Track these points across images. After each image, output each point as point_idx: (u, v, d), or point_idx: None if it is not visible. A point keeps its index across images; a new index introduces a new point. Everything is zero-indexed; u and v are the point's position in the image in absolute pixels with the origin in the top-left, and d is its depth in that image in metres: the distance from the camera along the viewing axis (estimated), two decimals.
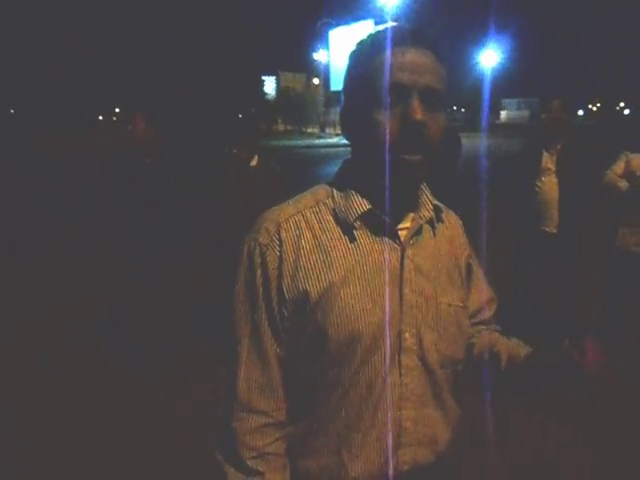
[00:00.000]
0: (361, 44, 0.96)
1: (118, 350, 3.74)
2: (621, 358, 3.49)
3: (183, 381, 3.39)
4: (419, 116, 0.86)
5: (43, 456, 2.74)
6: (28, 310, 4.68)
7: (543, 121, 3.81)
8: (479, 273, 1.13)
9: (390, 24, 0.92)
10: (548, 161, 3.79)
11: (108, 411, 3.13)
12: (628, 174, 3.61)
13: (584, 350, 0.91)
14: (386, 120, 0.87)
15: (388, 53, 0.88)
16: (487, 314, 1.15)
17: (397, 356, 0.93)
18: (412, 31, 0.90)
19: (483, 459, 2.45)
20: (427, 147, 0.88)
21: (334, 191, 0.98)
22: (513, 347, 1.07)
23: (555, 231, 3.76)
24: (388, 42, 0.89)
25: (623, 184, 3.60)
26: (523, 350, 1.05)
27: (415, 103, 0.87)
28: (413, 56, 0.88)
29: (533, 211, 3.87)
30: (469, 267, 1.09)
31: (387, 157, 0.88)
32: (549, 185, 3.77)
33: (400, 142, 0.87)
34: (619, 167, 3.64)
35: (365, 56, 0.92)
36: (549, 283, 3.79)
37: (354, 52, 0.96)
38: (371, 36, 0.94)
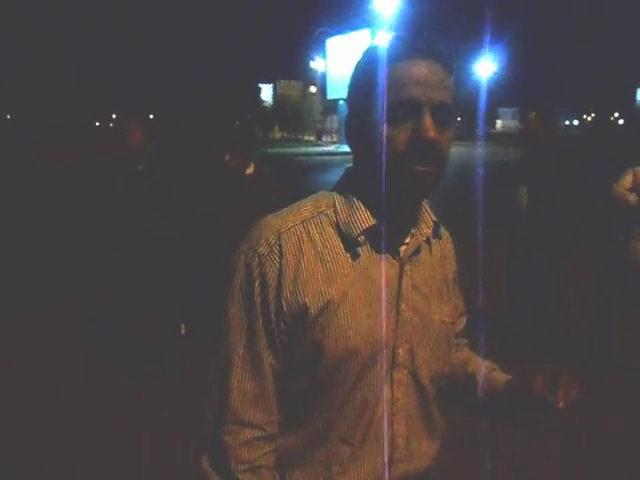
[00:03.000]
0: (368, 54, 0.91)
1: (116, 355, 3.73)
2: (622, 372, 3.53)
3: (182, 385, 3.35)
4: (432, 134, 0.83)
5: (42, 456, 2.75)
6: (28, 312, 4.68)
7: (521, 132, 3.90)
8: (457, 287, 1.13)
9: (392, 34, 0.89)
10: None
11: (107, 414, 3.12)
12: (637, 187, 3.65)
13: (557, 389, 0.91)
14: (396, 135, 0.85)
15: (398, 65, 0.85)
16: (459, 327, 1.16)
17: (390, 372, 0.92)
18: (420, 42, 0.87)
19: (467, 471, 2.44)
20: (438, 161, 0.86)
21: (336, 201, 0.94)
22: (487, 372, 1.08)
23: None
24: (397, 54, 0.86)
25: (633, 198, 3.65)
26: (497, 375, 1.07)
27: (428, 120, 0.83)
28: (424, 69, 0.85)
29: (521, 220, 3.94)
30: (453, 282, 1.09)
31: (396, 172, 0.85)
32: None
33: (411, 155, 0.84)
34: (627, 181, 3.68)
35: (373, 67, 0.87)
36: (528, 291, 3.92)
37: (361, 62, 0.92)
38: (379, 46, 0.90)
